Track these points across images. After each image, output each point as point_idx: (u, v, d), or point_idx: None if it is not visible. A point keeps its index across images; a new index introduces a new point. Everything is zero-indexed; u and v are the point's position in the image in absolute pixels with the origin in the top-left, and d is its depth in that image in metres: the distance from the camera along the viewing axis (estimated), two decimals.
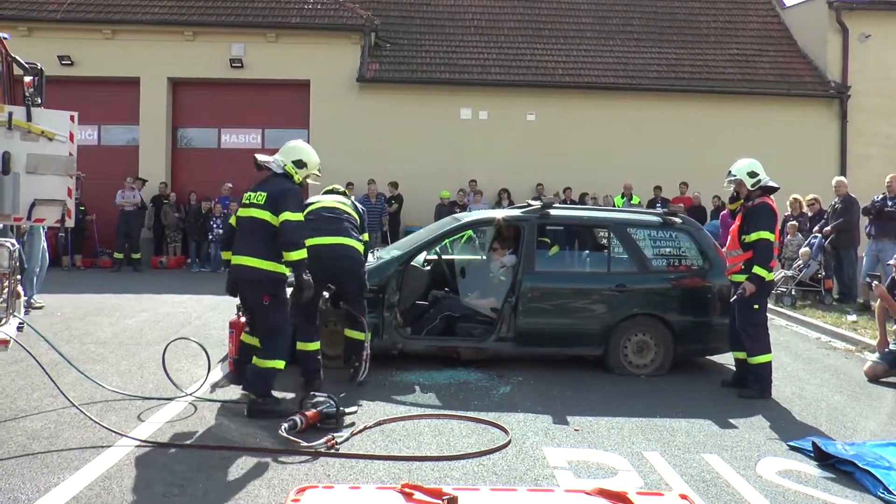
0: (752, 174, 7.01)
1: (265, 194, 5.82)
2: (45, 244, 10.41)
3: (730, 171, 7.15)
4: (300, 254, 5.73)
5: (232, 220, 6.26)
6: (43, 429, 5.27)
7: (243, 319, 7.04)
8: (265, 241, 5.77)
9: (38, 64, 6.69)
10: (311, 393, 5.73)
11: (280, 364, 5.82)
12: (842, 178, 13.52)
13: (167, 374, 6.25)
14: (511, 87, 18.79)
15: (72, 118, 6.49)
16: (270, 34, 18.41)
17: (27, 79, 6.56)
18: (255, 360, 5.85)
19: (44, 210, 6.45)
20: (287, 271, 5.89)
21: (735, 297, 6.93)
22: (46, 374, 5.52)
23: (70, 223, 6.72)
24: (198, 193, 17.64)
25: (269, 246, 5.76)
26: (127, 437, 5.11)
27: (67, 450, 4.87)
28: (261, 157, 6.11)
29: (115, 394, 6.09)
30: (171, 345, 6.57)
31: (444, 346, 7.50)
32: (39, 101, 6.53)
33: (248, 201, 5.93)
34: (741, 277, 6.90)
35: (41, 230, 9.77)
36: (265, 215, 5.77)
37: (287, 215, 5.69)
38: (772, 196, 7.05)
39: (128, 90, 18.31)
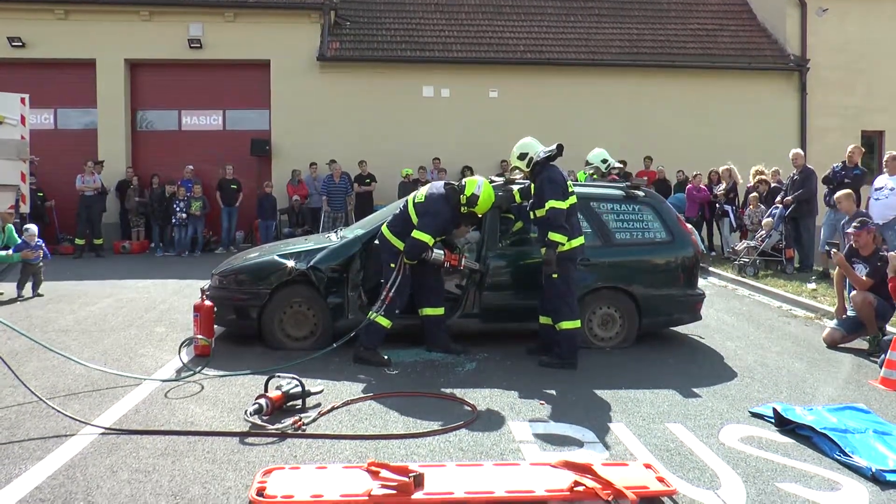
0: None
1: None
2: None
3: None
4: None
5: (565, 205, 6.78)
6: (3, 419, 5.18)
7: (208, 303, 7.03)
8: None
9: None
10: (277, 374, 5.70)
11: (573, 324, 6.84)
12: (798, 150, 13.70)
13: (182, 361, 6.55)
14: (473, 65, 18.72)
15: (22, 100, 6.34)
16: (229, 13, 18.11)
17: None
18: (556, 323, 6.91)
19: None
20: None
21: None
22: (5, 363, 5.41)
23: (25, 208, 6.59)
24: (160, 176, 17.31)
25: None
26: (91, 424, 5.05)
27: (29, 440, 4.80)
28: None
29: (78, 382, 6.01)
30: (143, 332, 6.52)
31: (410, 325, 7.48)
32: None
33: (572, 190, 6.96)
34: None
35: None
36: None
37: None
38: None
39: (84, 72, 17.90)
